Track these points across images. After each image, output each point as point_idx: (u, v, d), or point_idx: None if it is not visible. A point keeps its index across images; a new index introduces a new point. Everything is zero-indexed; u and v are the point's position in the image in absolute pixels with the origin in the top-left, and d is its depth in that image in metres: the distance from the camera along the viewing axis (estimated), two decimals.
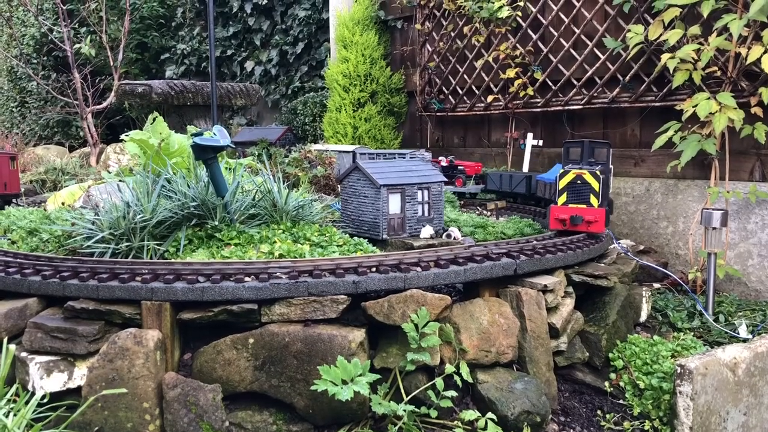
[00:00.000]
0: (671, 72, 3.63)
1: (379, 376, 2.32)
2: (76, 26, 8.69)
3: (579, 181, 3.15)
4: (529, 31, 4.67)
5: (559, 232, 3.26)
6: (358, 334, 2.39)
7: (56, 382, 2.37)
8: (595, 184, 3.12)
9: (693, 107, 3.53)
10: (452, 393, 2.40)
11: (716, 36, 3.48)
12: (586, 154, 3.26)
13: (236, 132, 6.83)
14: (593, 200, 3.14)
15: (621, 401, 2.81)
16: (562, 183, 3.19)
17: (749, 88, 3.57)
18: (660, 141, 3.73)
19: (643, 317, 3.35)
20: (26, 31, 10.02)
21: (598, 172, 3.11)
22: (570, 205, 3.18)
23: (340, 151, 4.89)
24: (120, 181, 3.53)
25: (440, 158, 4.82)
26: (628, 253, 3.57)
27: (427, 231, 3.23)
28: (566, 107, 4.48)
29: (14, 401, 2.20)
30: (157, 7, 9.40)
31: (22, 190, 4.82)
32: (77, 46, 8.00)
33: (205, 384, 2.35)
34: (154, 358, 2.34)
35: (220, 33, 8.66)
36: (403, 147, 5.88)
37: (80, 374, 2.39)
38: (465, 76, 5.19)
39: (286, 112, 7.08)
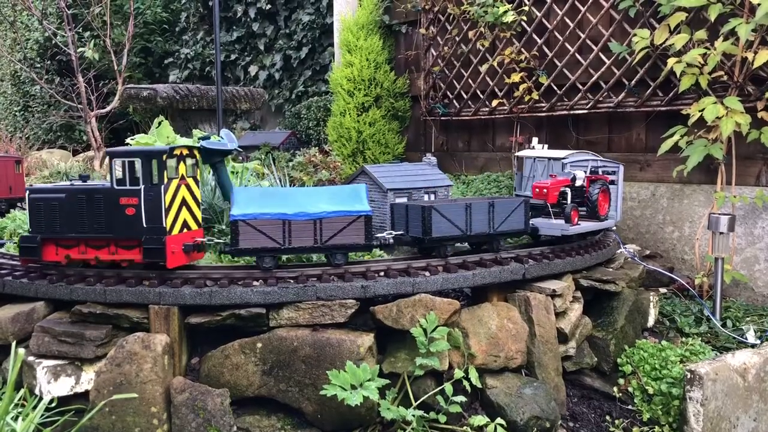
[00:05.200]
0: (677, 76, 3.62)
1: (387, 381, 2.32)
2: (80, 30, 8.70)
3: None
4: (534, 35, 4.67)
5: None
6: (366, 339, 2.39)
7: (63, 386, 2.37)
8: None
9: (699, 111, 3.52)
10: (461, 398, 2.39)
11: (723, 40, 3.47)
12: None
13: (240, 136, 6.83)
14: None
15: (630, 407, 2.80)
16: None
17: (756, 93, 3.56)
18: (666, 145, 3.72)
19: (651, 322, 3.34)
20: (30, 36, 10.04)
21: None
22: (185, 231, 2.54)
23: (550, 159, 3.91)
24: None
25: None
26: (635, 258, 3.56)
27: None
28: (571, 112, 4.47)
29: (22, 406, 2.20)
30: (161, 12, 9.42)
31: None
32: (81, 50, 8.00)
33: (213, 388, 2.34)
34: (162, 363, 2.33)
35: (224, 37, 8.67)
36: (407, 151, 5.87)
37: (87, 378, 2.38)
38: (469, 81, 5.18)
39: (290, 116, 7.08)
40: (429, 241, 2.62)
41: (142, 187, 2.40)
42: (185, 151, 2.55)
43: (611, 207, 3.38)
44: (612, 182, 3.39)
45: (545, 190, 3.01)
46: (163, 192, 2.40)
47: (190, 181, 2.58)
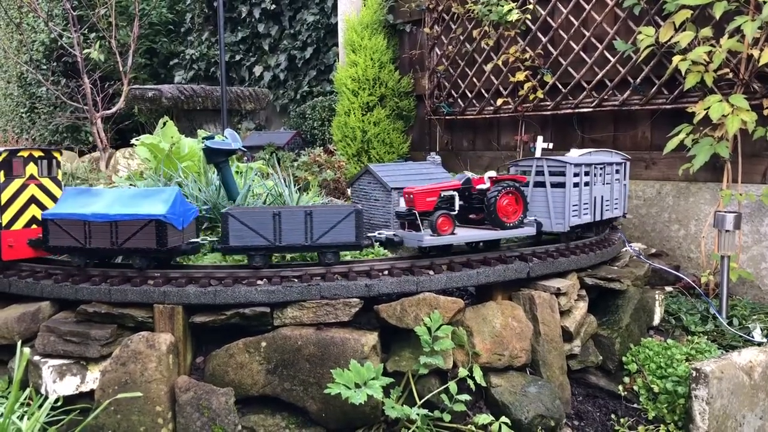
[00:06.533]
0: (683, 74, 3.61)
1: (392, 380, 2.32)
2: (86, 32, 8.73)
3: None
4: (539, 34, 4.66)
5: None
6: (370, 338, 2.39)
7: (69, 385, 2.37)
8: None
9: (705, 109, 3.51)
10: (466, 397, 2.39)
11: (728, 38, 3.46)
12: None
13: (245, 136, 6.85)
14: None
15: (635, 405, 2.79)
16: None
17: (762, 90, 3.54)
18: (672, 144, 3.71)
19: (656, 321, 3.32)
20: (36, 37, 10.07)
21: None
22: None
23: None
24: (131, 185, 3.53)
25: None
26: (641, 256, 3.55)
27: None
28: (576, 110, 4.46)
29: (28, 405, 2.21)
30: (166, 12, 9.44)
31: None
32: (87, 51, 8.02)
33: (217, 387, 2.35)
34: (166, 362, 2.34)
35: (229, 38, 8.68)
36: (412, 151, 5.87)
37: (93, 378, 2.39)
38: (474, 80, 5.18)
39: (295, 116, 7.08)
40: (226, 250, 2.53)
41: None
42: (37, 153, 2.78)
43: (549, 212, 3.01)
44: (550, 184, 3.02)
45: (411, 196, 2.66)
46: None
47: (46, 181, 2.81)
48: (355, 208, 2.54)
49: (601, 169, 3.23)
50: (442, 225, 2.63)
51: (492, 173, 2.84)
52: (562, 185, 3.01)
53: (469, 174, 2.83)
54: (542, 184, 3.06)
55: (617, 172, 3.40)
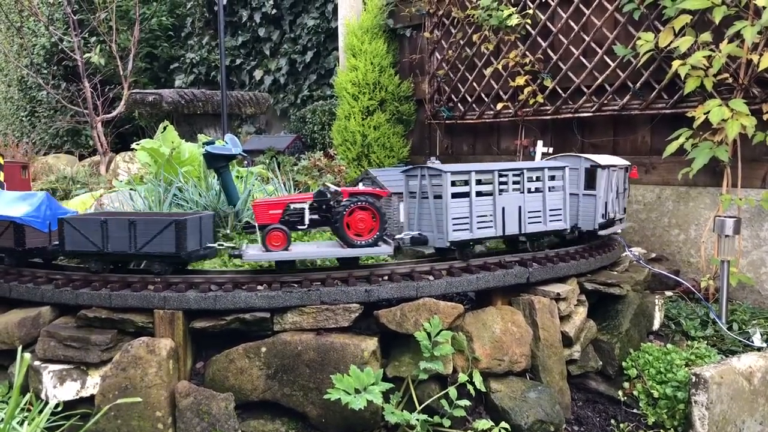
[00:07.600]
0: (682, 79, 3.62)
1: (391, 385, 2.32)
2: (87, 36, 8.75)
3: None
4: (539, 38, 4.67)
5: None
6: (370, 343, 2.39)
7: (69, 390, 2.38)
8: None
9: (705, 114, 3.51)
10: (465, 402, 2.39)
11: (728, 43, 3.47)
12: None
13: (245, 140, 6.86)
14: None
15: (635, 410, 2.79)
16: None
17: (761, 95, 3.55)
18: (671, 148, 3.72)
19: (656, 325, 3.33)
20: (37, 41, 10.10)
21: None
22: None
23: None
24: (131, 189, 3.54)
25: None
26: (641, 261, 3.55)
27: None
28: (576, 114, 4.46)
29: (28, 410, 2.21)
30: (167, 17, 9.46)
31: None
32: (87, 55, 8.06)
33: (217, 393, 2.35)
34: (166, 367, 2.34)
35: (230, 42, 8.70)
36: (412, 155, 5.88)
37: (93, 383, 2.39)
38: (474, 84, 5.18)
39: (295, 120, 7.09)
40: (63, 254, 2.65)
41: None
42: None
43: (433, 225, 2.71)
44: (433, 194, 2.70)
45: (253, 209, 2.55)
46: None
47: None
48: (175, 219, 2.45)
49: (516, 175, 2.80)
50: (272, 240, 2.51)
51: (361, 186, 2.68)
52: (446, 197, 2.65)
53: (332, 186, 2.64)
54: (432, 195, 2.73)
55: (554, 178, 2.94)
